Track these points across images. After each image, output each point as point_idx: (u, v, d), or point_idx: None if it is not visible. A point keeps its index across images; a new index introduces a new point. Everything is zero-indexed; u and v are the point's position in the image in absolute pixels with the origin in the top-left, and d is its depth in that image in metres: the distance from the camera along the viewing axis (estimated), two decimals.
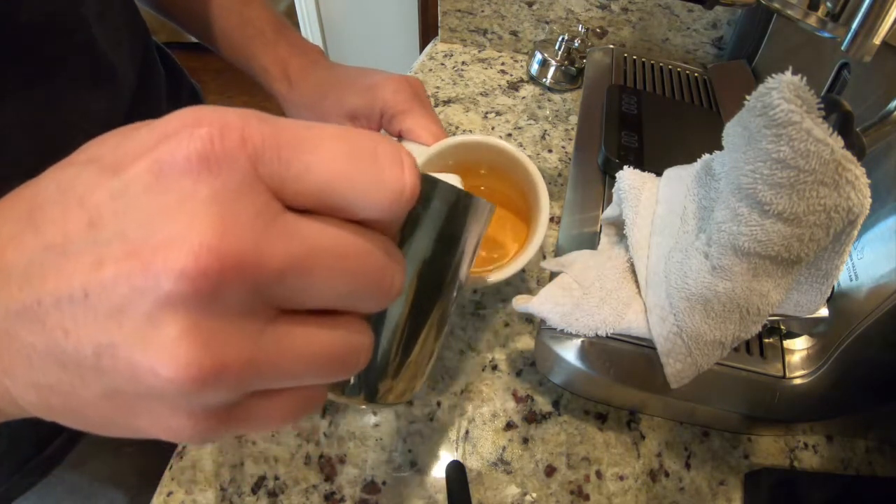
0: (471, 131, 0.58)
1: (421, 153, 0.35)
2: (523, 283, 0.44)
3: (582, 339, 0.32)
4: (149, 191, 0.12)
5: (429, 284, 0.20)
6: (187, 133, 0.12)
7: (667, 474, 0.35)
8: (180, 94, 0.46)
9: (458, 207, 0.19)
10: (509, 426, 0.36)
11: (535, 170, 0.34)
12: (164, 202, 0.12)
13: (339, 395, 0.21)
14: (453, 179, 0.29)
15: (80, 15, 0.32)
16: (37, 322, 0.12)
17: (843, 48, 0.25)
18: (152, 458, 0.37)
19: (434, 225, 0.19)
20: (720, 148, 0.29)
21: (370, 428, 0.36)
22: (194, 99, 0.49)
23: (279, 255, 0.12)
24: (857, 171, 0.22)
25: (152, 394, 0.12)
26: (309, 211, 0.14)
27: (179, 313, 0.12)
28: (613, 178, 0.37)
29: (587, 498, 0.33)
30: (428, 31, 1.26)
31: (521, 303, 0.33)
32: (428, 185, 0.18)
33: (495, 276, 0.33)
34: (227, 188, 0.12)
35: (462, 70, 0.68)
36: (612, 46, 0.63)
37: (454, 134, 0.58)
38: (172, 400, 0.13)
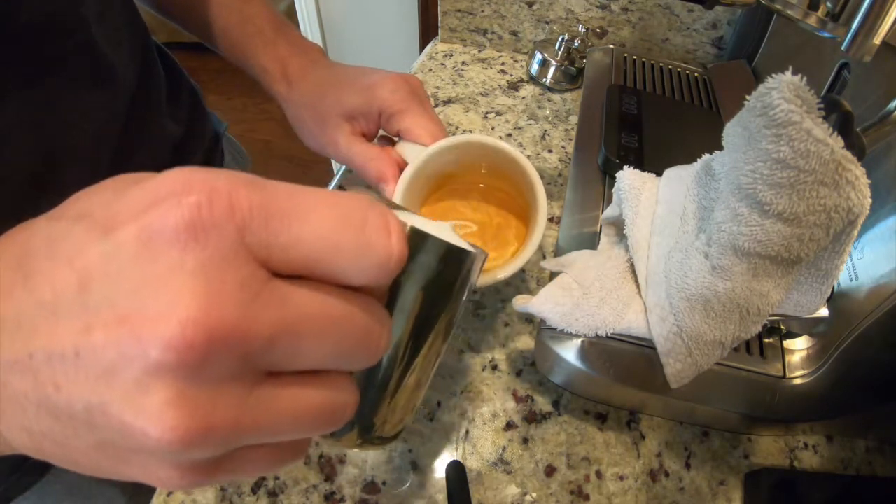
0: (471, 131, 0.58)
1: (419, 153, 0.35)
2: (523, 283, 0.44)
3: (582, 339, 0.32)
4: (137, 258, 0.12)
5: (419, 332, 0.20)
6: (176, 200, 0.12)
7: (667, 474, 0.35)
8: (180, 95, 0.46)
9: (448, 260, 0.20)
10: (509, 426, 0.36)
11: (532, 169, 0.34)
12: (152, 271, 0.12)
13: (329, 439, 0.21)
14: (446, 229, 0.29)
15: (80, 15, 0.32)
16: (29, 374, 0.13)
17: (843, 48, 0.25)
18: None
19: (423, 277, 0.19)
20: (720, 148, 0.29)
21: None
22: (194, 99, 0.49)
23: (265, 324, 0.13)
24: (857, 171, 0.22)
25: (143, 449, 0.13)
26: (296, 276, 0.14)
27: (167, 381, 0.12)
28: (613, 178, 0.37)
29: (587, 498, 0.33)
30: (428, 31, 1.26)
31: (521, 303, 0.33)
32: (418, 239, 0.19)
33: (493, 276, 0.33)
34: (213, 259, 0.12)
35: (462, 70, 0.68)
36: (612, 46, 0.63)
37: (454, 134, 0.58)
38: (161, 456, 0.13)
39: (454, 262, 0.20)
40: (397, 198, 0.35)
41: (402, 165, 0.36)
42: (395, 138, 0.38)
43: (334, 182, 0.51)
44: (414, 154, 0.35)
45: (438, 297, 0.20)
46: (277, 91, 0.41)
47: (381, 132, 0.40)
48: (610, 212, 0.36)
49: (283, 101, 0.42)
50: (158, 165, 0.42)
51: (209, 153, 0.49)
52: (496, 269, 0.34)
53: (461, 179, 0.40)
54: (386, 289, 0.17)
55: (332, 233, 0.14)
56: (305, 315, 0.14)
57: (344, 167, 0.52)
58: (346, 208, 0.14)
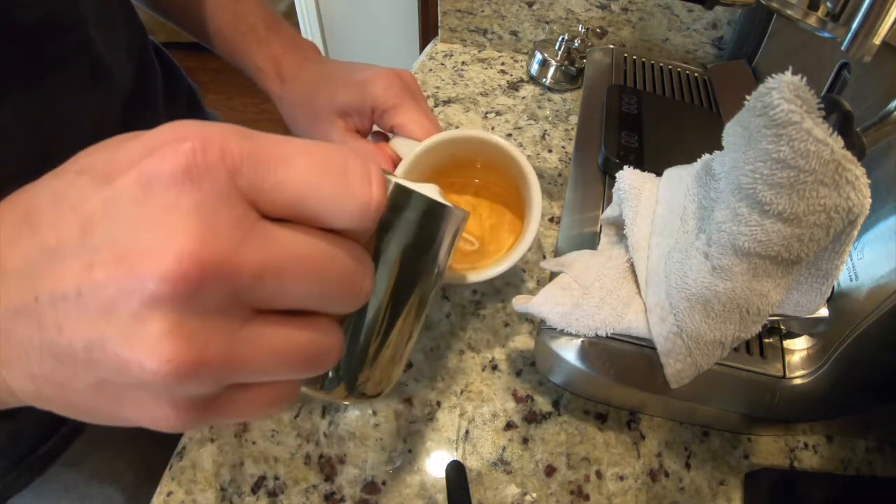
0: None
1: (412, 148, 0.35)
2: (523, 283, 0.44)
3: (582, 339, 0.32)
4: (136, 201, 0.13)
5: (403, 284, 0.21)
6: (172, 147, 0.13)
7: (667, 474, 0.35)
8: (178, 94, 0.46)
9: (430, 215, 0.21)
10: (509, 426, 0.36)
11: (526, 164, 0.34)
12: (151, 212, 0.13)
13: (318, 390, 0.22)
14: (430, 189, 0.30)
15: (78, 15, 0.32)
16: (34, 318, 0.13)
17: (843, 48, 0.25)
18: (149, 455, 0.37)
19: (407, 231, 0.20)
20: (720, 148, 0.28)
21: (370, 428, 0.36)
22: (192, 99, 0.49)
23: (255, 260, 0.14)
24: (857, 171, 0.22)
25: (138, 385, 0.13)
26: (284, 220, 0.15)
27: (163, 312, 0.13)
28: (613, 178, 0.37)
29: (587, 498, 0.33)
30: (428, 31, 1.26)
31: (521, 303, 0.33)
32: (401, 194, 0.19)
33: (488, 273, 0.33)
34: (207, 199, 0.13)
35: (462, 70, 0.68)
36: (612, 46, 0.63)
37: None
38: (157, 390, 0.14)
39: (435, 217, 0.21)
40: None
41: (396, 161, 0.36)
42: (390, 134, 0.38)
43: None
44: (408, 149, 0.35)
45: (419, 251, 0.21)
46: (271, 90, 0.41)
47: (375, 128, 0.40)
48: (610, 212, 0.36)
49: (276, 99, 0.42)
50: None
51: None
52: (492, 265, 0.34)
53: (457, 174, 0.40)
54: (370, 237, 0.18)
55: (314, 176, 0.14)
56: (293, 253, 0.14)
57: None
58: (329, 156, 0.15)
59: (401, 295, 0.21)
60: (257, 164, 0.14)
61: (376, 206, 0.15)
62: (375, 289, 0.20)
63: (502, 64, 0.69)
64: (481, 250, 0.39)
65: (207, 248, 0.13)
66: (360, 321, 0.21)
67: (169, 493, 0.33)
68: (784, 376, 0.32)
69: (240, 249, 0.13)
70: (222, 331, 0.14)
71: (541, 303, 0.32)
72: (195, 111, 0.48)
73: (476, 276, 0.33)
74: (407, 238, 0.20)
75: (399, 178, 0.20)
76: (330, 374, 0.21)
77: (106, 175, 0.14)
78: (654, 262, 0.32)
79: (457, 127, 0.59)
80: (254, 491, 0.33)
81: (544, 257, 0.46)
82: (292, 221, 0.15)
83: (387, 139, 0.38)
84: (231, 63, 0.43)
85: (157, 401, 0.14)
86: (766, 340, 0.33)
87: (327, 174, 0.15)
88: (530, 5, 0.67)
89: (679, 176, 0.34)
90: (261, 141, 0.14)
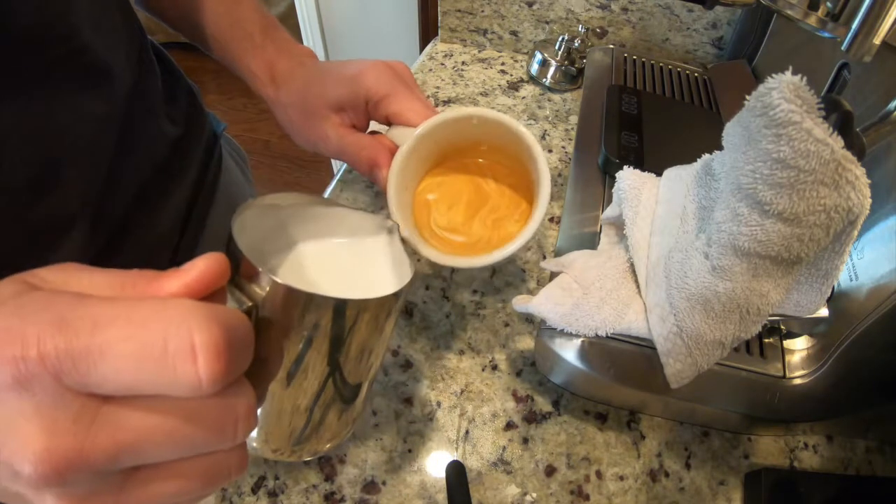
0: None
1: (409, 136, 0.34)
2: (523, 283, 0.44)
3: (582, 339, 0.32)
4: None
5: (315, 376, 0.21)
6: (1, 354, 0.14)
7: (667, 474, 0.35)
8: (177, 95, 0.46)
9: (334, 312, 0.20)
10: (509, 426, 0.36)
11: (528, 135, 0.32)
12: (5, 414, 0.14)
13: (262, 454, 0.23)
14: (381, 241, 0.30)
15: (75, 18, 0.32)
16: None
17: (843, 48, 0.25)
18: None
19: (312, 331, 0.20)
20: (720, 148, 0.28)
21: (370, 428, 0.36)
22: (191, 99, 0.49)
23: (105, 445, 0.14)
24: (857, 171, 0.22)
25: None
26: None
27: (47, 495, 0.15)
28: (613, 178, 0.37)
29: (587, 498, 0.33)
30: (428, 31, 1.26)
31: (521, 303, 0.33)
32: (297, 296, 0.19)
33: (498, 254, 0.32)
34: (44, 402, 0.14)
35: (462, 70, 0.68)
36: (612, 46, 0.63)
37: None
38: None
39: (341, 311, 0.20)
40: (391, 182, 0.34)
41: (394, 151, 0.35)
42: (385, 127, 0.37)
43: (333, 183, 0.51)
44: (405, 137, 0.34)
45: (333, 345, 0.21)
46: (266, 94, 0.41)
47: (372, 124, 0.39)
48: (610, 212, 0.36)
49: (271, 104, 0.41)
50: (157, 167, 0.42)
51: (207, 153, 0.49)
52: (503, 244, 0.32)
53: (462, 155, 0.38)
54: (276, 336, 0.18)
55: (131, 372, 0.14)
56: (143, 430, 0.15)
57: (344, 166, 0.52)
58: (144, 339, 0.14)
59: (317, 383, 0.21)
60: (75, 361, 0.14)
61: (208, 383, 0.14)
62: (294, 385, 0.20)
63: (502, 64, 0.69)
64: (490, 233, 0.37)
65: (55, 448, 0.14)
66: (283, 404, 0.21)
67: None
68: (784, 376, 0.32)
69: (86, 440, 0.14)
70: (106, 496, 0.15)
71: (541, 303, 0.32)
72: (194, 112, 0.48)
73: (496, 255, 0.32)
74: (315, 336, 0.20)
75: (283, 276, 0.19)
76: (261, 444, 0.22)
77: None
78: (654, 262, 0.32)
79: None
80: (254, 491, 0.33)
81: (544, 257, 0.46)
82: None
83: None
84: (225, 65, 0.43)
85: None
86: (766, 340, 0.33)
87: (144, 364, 0.14)
88: (530, 5, 0.67)
89: (679, 176, 0.34)
90: (76, 328, 0.14)
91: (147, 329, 0.14)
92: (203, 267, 0.16)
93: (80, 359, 0.14)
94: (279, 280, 0.19)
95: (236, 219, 0.21)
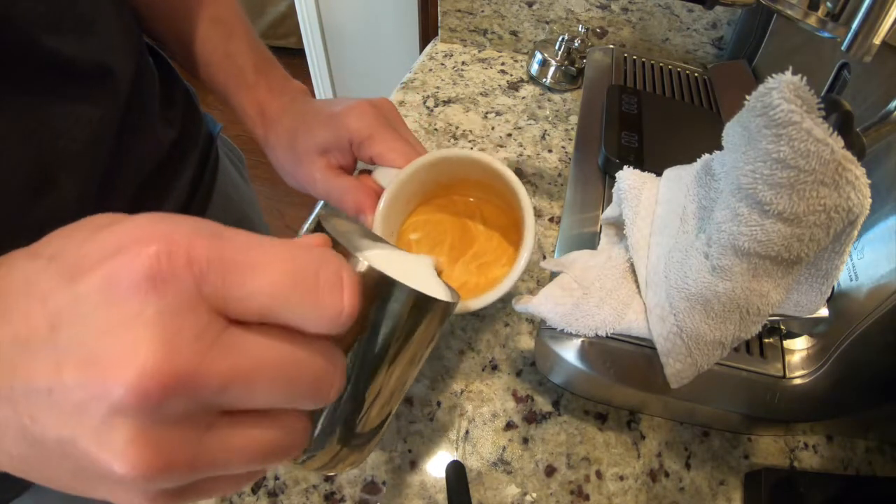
0: (470, 131, 0.58)
1: (392, 177, 0.34)
2: (523, 283, 0.44)
3: (582, 339, 0.32)
4: (101, 305, 0.13)
5: (379, 371, 0.21)
6: (137, 250, 0.13)
7: (667, 474, 0.35)
8: (174, 97, 0.46)
9: (415, 307, 0.20)
10: (509, 426, 0.36)
11: (512, 177, 0.32)
12: (116, 318, 0.13)
13: (290, 463, 0.22)
14: (424, 265, 0.29)
15: (73, 21, 0.32)
16: (10, 404, 0.14)
17: (843, 48, 0.25)
18: None
19: (389, 321, 0.20)
20: (720, 148, 0.29)
21: None
22: (188, 101, 0.49)
23: (220, 370, 0.14)
24: (857, 171, 0.22)
25: (111, 480, 0.14)
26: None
27: (129, 421, 0.13)
28: (613, 178, 0.37)
29: (587, 498, 0.33)
30: (428, 31, 1.26)
31: (521, 303, 0.33)
32: (385, 284, 0.19)
33: (484, 299, 0.31)
34: (171, 308, 0.13)
35: (462, 70, 0.68)
36: (612, 46, 0.63)
37: (454, 136, 0.58)
38: (128, 487, 0.14)
39: (420, 308, 0.21)
40: (375, 227, 0.33)
41: (379, 193, 0.35)
42: (370, 167, 0.37)
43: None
44: (388, 179, 0.34)
45: (401, 341, 0.21)
46: (256, 135, 0.41)
47: (360, 164, 0.39)
48: (610, 212, 0.36)
49: (261, 144, 0.41)
50: (153, 168, 0.42)
51: (204, 154, 0.49)
52: (492, 287, 0.32)
53: (451, 191, 0.38)
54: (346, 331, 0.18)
55: (283, 288, 0.14)
56: (259, 361, 0.14)
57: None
58: (299, 264, 0.15)
59: (375, 382, 0.21)
60: (225, 272, 0.14)
61: (347, 317, 0.15)
62: (354, 375, 0.20)
63: (502, 64, 0.69)
64: (476, 278, 0.36)
65: (169, 362, 0.13)
66: (335, 406, 0.21)
67: None
68: (784, 376, 0.32)
69: (204, 361, 0.13)
70: (188, 437, 0.14)
71: (541, 303, 0.32)
72: (191, 113, 0.48)
73: (473, 304, 0.31)
74: (388, 328, 0.20)
75: (389, 249, 0.19)
76: (304, 454, 0.22)
77: (73, 271, 0.14)
78: (653, 262, 0.32)
79: (457, 127, 0.59)
80: (254, 491, 0.33)
81: (544, 257, 0.46)
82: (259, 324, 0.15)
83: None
84: (218, 99, 0.43)
85: (129, 493, 0.14)
86: (766, 340, 0.33)
87: (297, 285, 0.14)
88: (530, 5, 0.67)
89: (679, 176, 0.34)
90: (230, 245, 0.14)
91: (301, 257, 0.15)
92: (314, 240, 0.17)
93: (232, 269, 0.14)
94: (374, 265, 0.19)
95: (320, 217, 0.22)
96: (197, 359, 0.13)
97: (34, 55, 0.30)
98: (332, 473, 0.23)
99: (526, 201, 0.32)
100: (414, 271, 0.28)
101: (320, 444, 0.21)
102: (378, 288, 0.19)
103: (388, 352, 0.21)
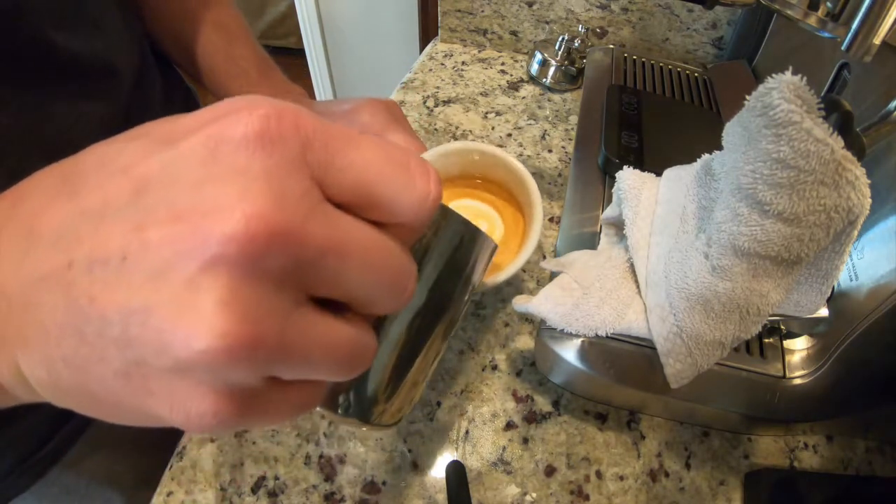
0: (470, 131, 0.58)
1: None
2: (523, 283, 0.44)
3: (582, 339, 0.32)
4: (202, 163, 0.13)
5: (432, 305, 0.21)
6: (245, 113, 0.13)
7: (667, 474, 0.35)
8: (174, 98, 0.46)
9: (465, 238, 0.21)
10: (509, 426, 0.36)
11: (520, 167, 0.33)
12: (217, 173, 0.12)
13: (336, 415, 0.21)
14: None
15: (80, 17, 0.32)
16: (62, 287, 0.12)
17: (843, 48, 0.25)
18: (149, 458, 0.37)
19: (443, 251, 0.21)
20: (720, 148, 0.29)
21: None
22: (188, 100, 0.49)
23: (321, 235, 0.13)
24: (857, 171, 0.22)
25: (177, 368, 0.12)
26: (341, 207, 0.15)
27: (222, 279, 0.12)
28: (613, 178, 0.37)
29: (587, 498, 0.33)
30: (428, 31, 1.26)
31: (521, 303, 0.33)
32: (441, 214, 0.20)
33: (494, 278, 0.33)
34: (279, 166, 0.13)
35: (462, 70, 0.68)
36: (612, 46, 0.63)
37: (454, 136, 0.58)
38: (198, 375, 0.12)
39: (470, 240, 0.21)
40: None
41: None
42: None
43: None
44: None
45: (454, 273, 0.21)
46: None
47: None
48: (610, 212, 0.36)
49: None
50: None
51: None
52: (495, 272, 0.34)
53: (457, 188, 0.40)
54: (410, 247, 0.18)
55: (381, 163, 0.15)
56: (353, 237, 0.14)
57: None
58: (392, 149, 0.16)
59: (428, 315, 0.21)
60: (328, 142, 0.14)
61: (433, 201, 0.16)
62: (409, 306, 0.20)
63: (502, 64, 0.69)
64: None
65: (278, 212, 0.12)
66: (385, 338, 0.20)
67: (169, 494, 0.33)
68: (784, 376, 0.32)
69: (308, 220, 0.13)
70: (278, 308, 0.13)
71: (541, 303, 0.32)
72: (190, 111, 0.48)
73: (499, 275, 0.33)
74: (443, 258, 0.20)
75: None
76: (351, 397, 0.21)
77: (167, 138, 0.13)
78: (653, 262, 0.32)
79: (457, 127, 0.59)
80: (254, 491, 0.33)
81: (544, 257, 0.46)
82: (350, 209, 0.15)
83: None
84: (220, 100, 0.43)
85: (195, 389, 0.13)
86: (766, 340, 0.33)
87: (391, 163, 0.15)
88: (530, 5, 0.67)
89: (679, 176, 0.34)
90: (330, 122, 0.15)
91: (393, 147, 0.16)
92: None
93: (335, 140, 0.14)
94: (451, 207, 0.20)
95: None
96: (302, 217, 0.13)
97: (42, 49, 0.30)
98: (371, 427, 0.23)
99: (530, 181, 0.33)
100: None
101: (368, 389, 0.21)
102: (435, 215, 0.20)
103: (441, 285, 0.21)
